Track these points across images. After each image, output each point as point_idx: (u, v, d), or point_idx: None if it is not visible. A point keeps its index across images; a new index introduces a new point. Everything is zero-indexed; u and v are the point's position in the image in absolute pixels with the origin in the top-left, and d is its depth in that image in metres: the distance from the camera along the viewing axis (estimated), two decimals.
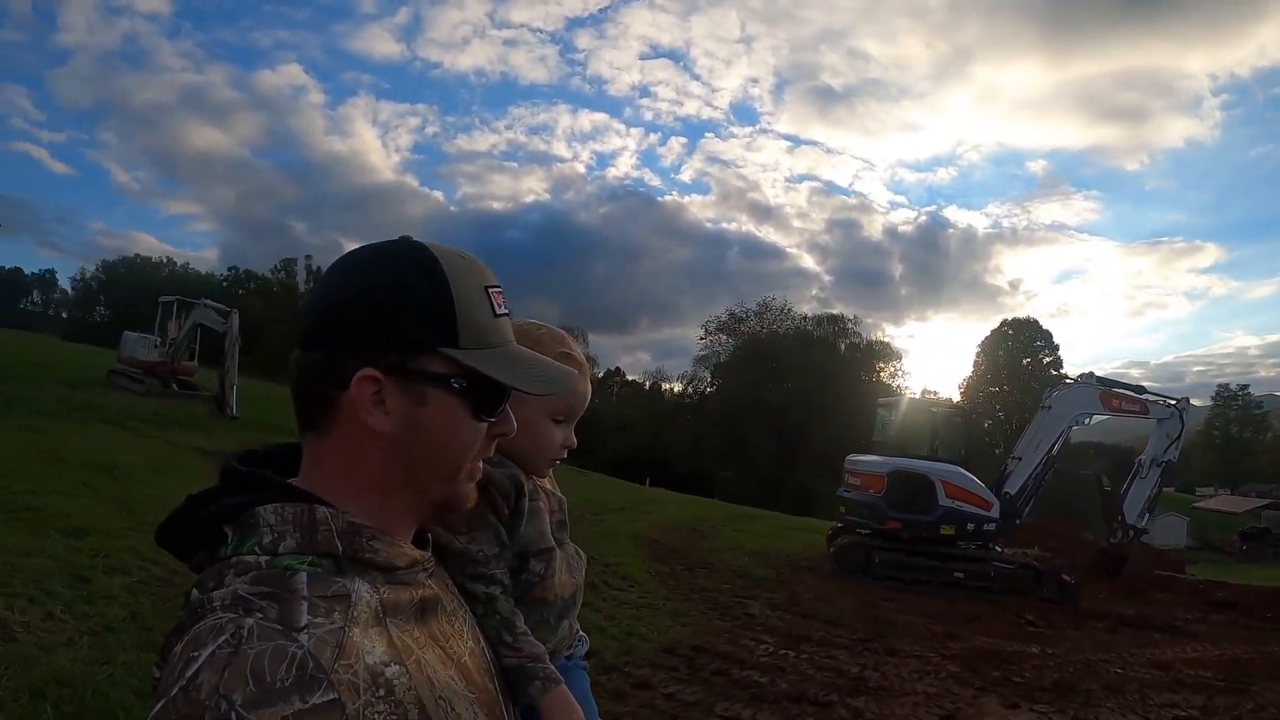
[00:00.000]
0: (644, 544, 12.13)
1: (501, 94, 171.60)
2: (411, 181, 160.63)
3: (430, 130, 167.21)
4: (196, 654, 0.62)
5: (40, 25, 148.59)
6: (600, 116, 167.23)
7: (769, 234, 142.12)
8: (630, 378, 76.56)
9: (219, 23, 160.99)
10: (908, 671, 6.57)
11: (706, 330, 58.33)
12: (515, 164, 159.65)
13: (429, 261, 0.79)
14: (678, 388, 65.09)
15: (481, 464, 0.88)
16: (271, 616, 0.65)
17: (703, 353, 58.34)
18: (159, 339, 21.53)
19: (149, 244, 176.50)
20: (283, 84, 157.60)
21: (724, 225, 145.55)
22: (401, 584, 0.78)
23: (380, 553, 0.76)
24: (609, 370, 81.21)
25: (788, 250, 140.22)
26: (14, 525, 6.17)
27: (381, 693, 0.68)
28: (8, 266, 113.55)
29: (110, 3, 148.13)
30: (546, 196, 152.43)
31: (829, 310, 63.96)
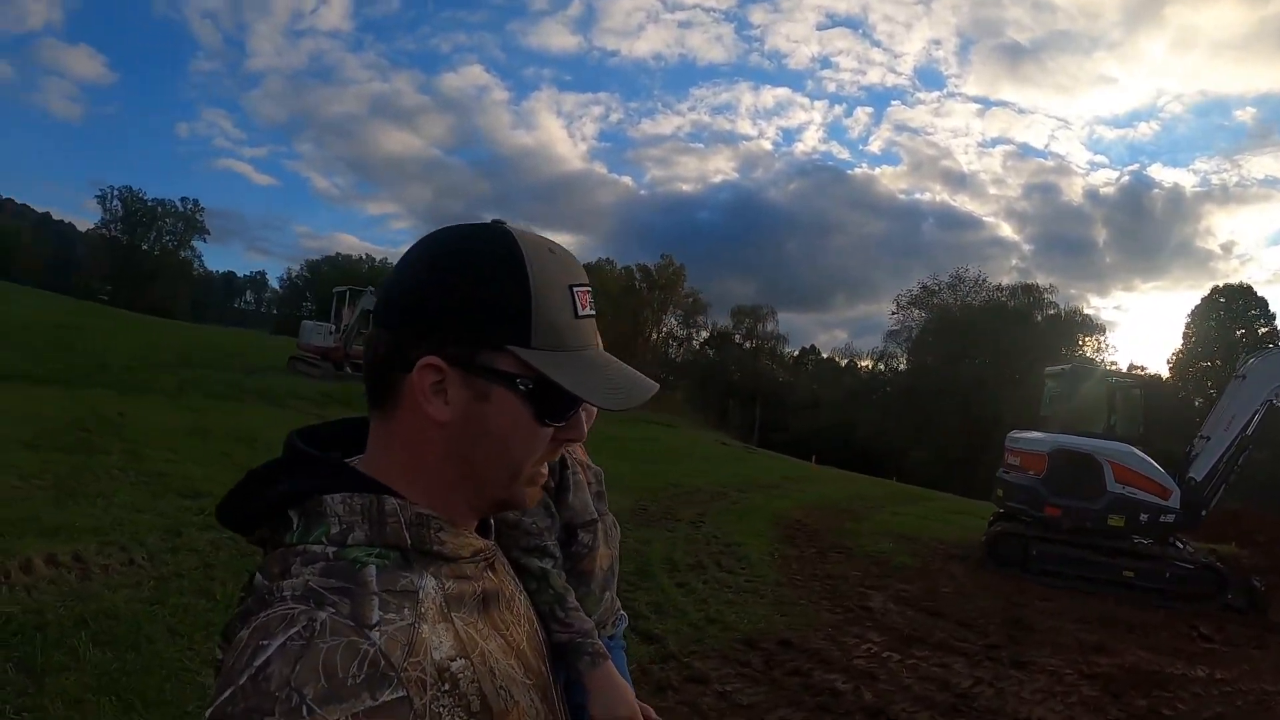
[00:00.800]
0: (781, 524, 11.46)
1: (681, 76, 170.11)
2: (600, 169, 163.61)
3: (614, 117, 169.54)
4: (267, 643, 0.61)
5: (232, 53, 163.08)
6: (782, 91, 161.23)
7: (964, 203, 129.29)
8: (826, 355, 74.58)
9: (399, 32, 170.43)
10: (1030, 690, 5.56)
11: (898, 304, 55.58)
12: (701, 145, 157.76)
13: (512, 252, 0.75)
14: (870, 365, 62.68)
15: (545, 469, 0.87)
16: (344, 612, 0.65)
17: (894, 328, 55.50)
18: (333, 326, 23.33)
19: (351, 243, 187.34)
20: (466, 85, 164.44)
21: (917, 196, 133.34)
22: (465, 575, 0.78)
23: (447, 544, 0.76)
24: (803, 349, 79.81)
25: (984, 219, 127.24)
26: (139, 488, 6.91)
27: (446, 686, 0.69)
28: (222, 271, 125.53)
29: (293, 26, 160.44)
30: (735, 175, 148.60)
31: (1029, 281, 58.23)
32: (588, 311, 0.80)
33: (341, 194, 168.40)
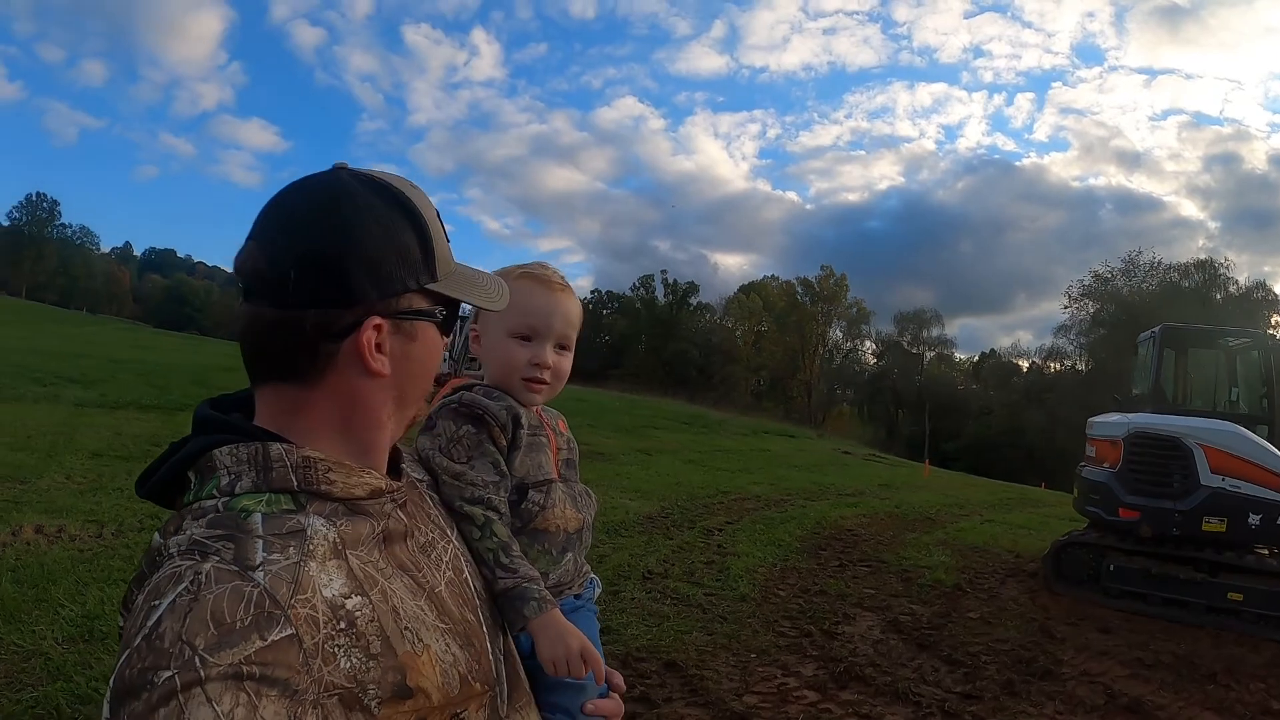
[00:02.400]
0: (820, 534, 9.63)
1: (833, 84, 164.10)
2: (764, 186, 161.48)
3: (772, 133, 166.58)
4: (158, 603, 0.62)
5: (394, 111, 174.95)
6: (938, 87, 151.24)
7: (1141, 183, 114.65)
8: (1007, 359, 68.75)
9: (550, 75, 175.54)
10: None
11: (1069, 296, 49.74)
12: (863, 151, 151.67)
13: (399, 199, 0.80)
14: (1041, 364, 56.96)
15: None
16: (228, 558, 0.65)
17: (1066, 322, 49.87)
18: (446, 353, 23.63)
19: None
20: (621, 117, 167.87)
21: (1090, 182, 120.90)
22: (363, 514, 0.77)
23: (337, 484, 0.76)
24: (981, 354, 74.17)
25: (1164, 199, 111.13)
26: None
27: (342, 625, 0.67)
28: None
29: (448, 80, 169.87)
30: (900, 180, 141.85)
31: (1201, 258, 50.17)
32: (445, 232, 0.86)
33: (513, 234, 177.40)
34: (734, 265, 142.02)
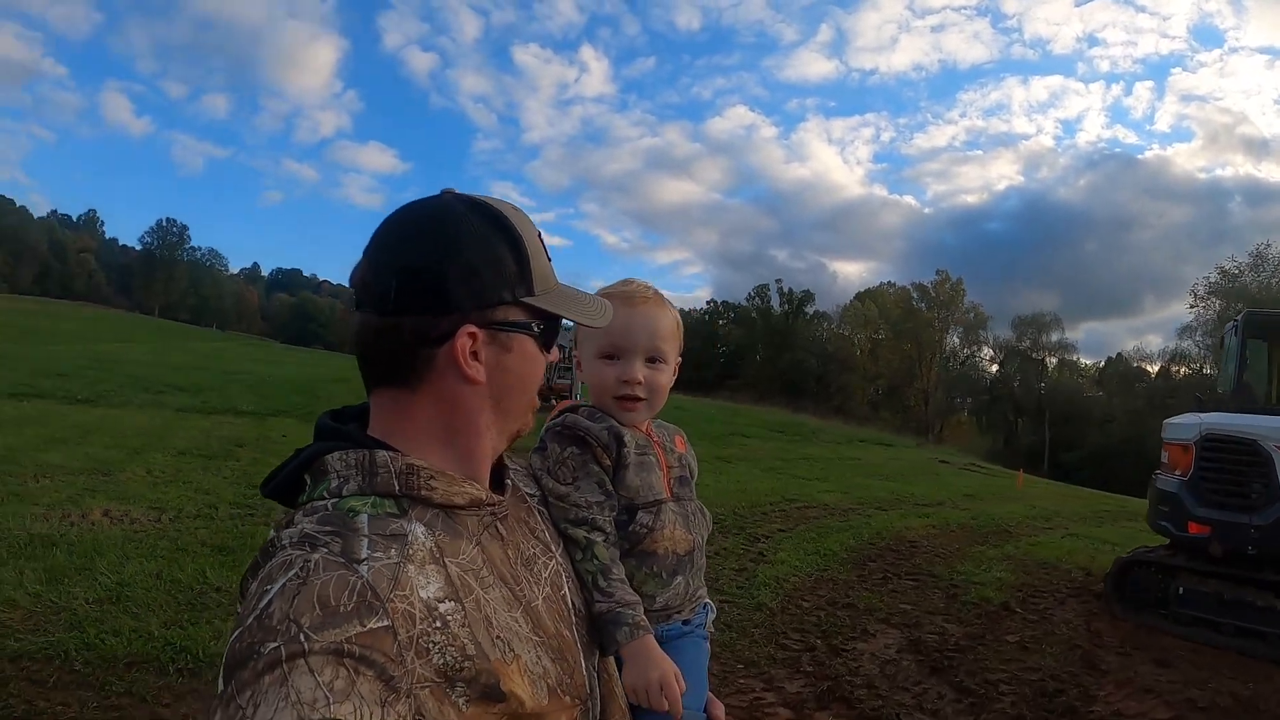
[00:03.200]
0: (874, 545, 9.03)
1: (945, 83, 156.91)
2: (880, 191, 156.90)
3: (885, 136, 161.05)
4: (269, 587, 0.66)
5: (509, 130, 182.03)
6: (1053, 80, 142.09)
7: (1271, 172, 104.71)
8: (1133, 364, 64.04)
9: (660, 88, 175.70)
10: None
11: (1195, 295, 45.73)
12: (979, 151, 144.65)
13: (498, 218, 0.84)
14: (1177, 369, 52.51)
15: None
16: (335, 550, 0.69)
17: (1191, 323, 45.89)
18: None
19: None
20: (734, 126, 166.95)
21: (1217, 172, 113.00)
22: (462, 524, 0.81)
23: (438, 490, 0.79)
24: (1108, 358, 69.39)
25: None
26: (226, 481, 8.49)
27: (438, 624, 0.71)
28: None
29: (560, 97, 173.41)
30: (1019, 179, 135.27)
31: None
32: (548, 254, 0.89)
33: (631, 246, 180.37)
34: (853, 273, 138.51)
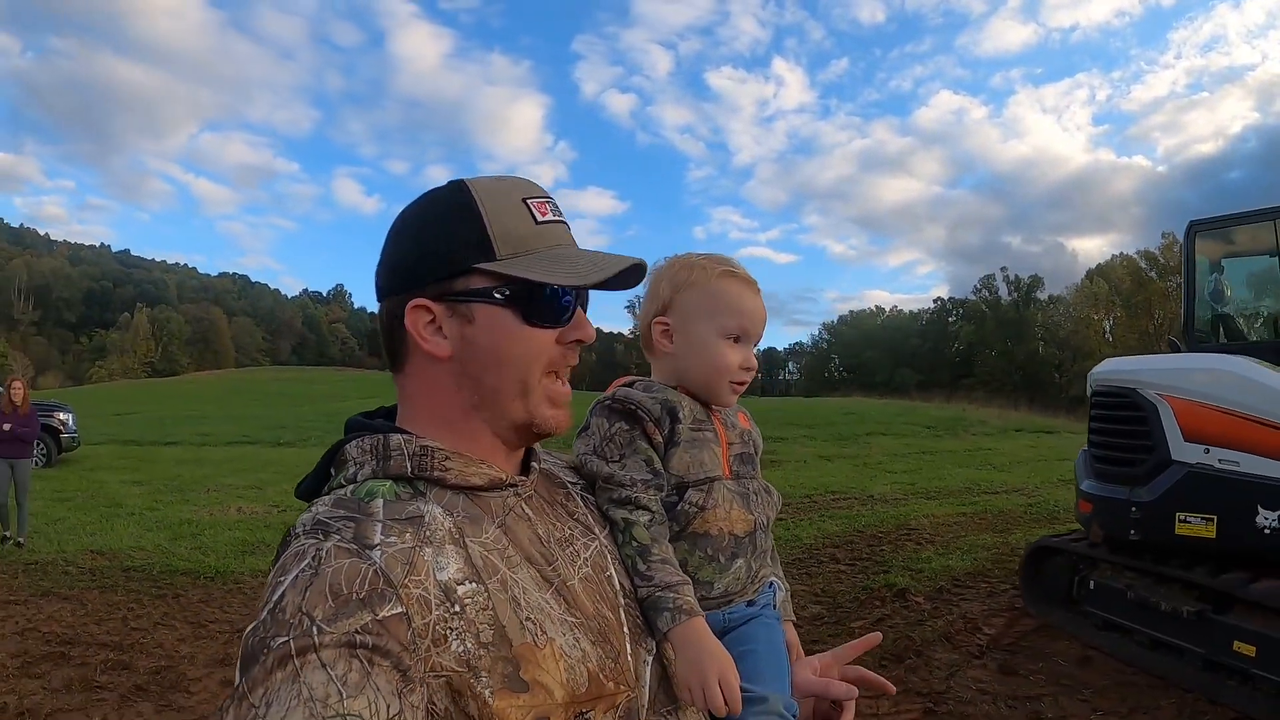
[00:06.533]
0: (866, 533, 8.55)
1: (1153, 24, 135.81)
2: (1107, 155, 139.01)
3: (1101, 95, 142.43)
4: (282, 579, 0.65)
5: (718, 156, 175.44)
6: None
7: None
8: None
9: (859, 87, 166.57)
10: None
11: None
12: (1205, 92, 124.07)
13: (459, 191, 0.80)
14: None
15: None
16: (348, 537, 0.68)
17: None
18: None
19: (880, 298, 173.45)
20: (941, 113, 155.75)
21: None
22: (483, 504, 0.78)
23: (453, 471, 0.77)
24: None
25: None
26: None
27: (456, 609, 0.68)
28: (761, 349, 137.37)
29: (762, 115, 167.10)
30: (1254, 116, 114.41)
31: None
32: (550, 218, 0.82)
33: (859, 253, 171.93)
34: (1093, 248, 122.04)
